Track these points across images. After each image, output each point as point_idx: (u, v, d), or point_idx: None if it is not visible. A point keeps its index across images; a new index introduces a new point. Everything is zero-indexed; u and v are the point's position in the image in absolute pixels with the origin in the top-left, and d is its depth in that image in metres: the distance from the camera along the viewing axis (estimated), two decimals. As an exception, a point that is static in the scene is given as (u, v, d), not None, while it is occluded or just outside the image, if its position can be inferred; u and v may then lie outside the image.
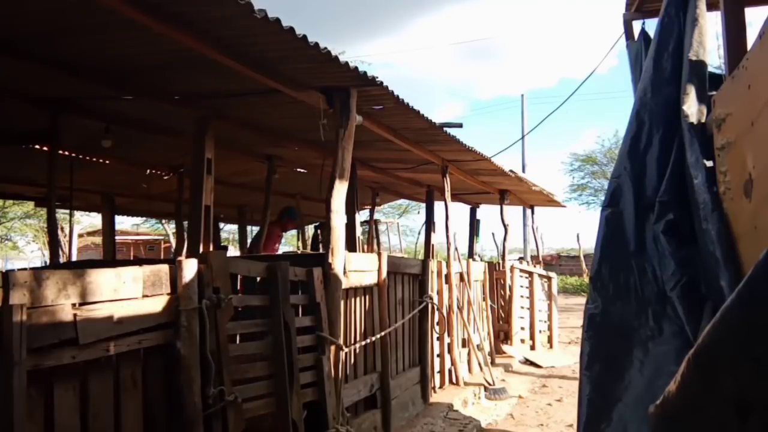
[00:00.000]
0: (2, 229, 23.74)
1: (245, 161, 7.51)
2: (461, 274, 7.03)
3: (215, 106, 5.05)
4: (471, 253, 10.72)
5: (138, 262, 7.06)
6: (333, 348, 3.95)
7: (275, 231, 8.03)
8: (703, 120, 1.95)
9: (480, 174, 8.16)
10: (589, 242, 27.93)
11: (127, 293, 2.58)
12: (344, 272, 4.17)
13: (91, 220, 24.41)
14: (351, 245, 7.28)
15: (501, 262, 9.74)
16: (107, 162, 7.12)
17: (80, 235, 25.36)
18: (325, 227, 4.22)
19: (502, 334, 9.02)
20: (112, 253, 9.36)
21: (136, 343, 2.61)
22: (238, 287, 3.90)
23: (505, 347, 8.81)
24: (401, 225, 20.14)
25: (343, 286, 4.16)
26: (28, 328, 2.11)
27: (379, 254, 4.98)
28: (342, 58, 3.75)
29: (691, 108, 1.98)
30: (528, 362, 8.65)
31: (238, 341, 3.47)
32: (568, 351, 9.67)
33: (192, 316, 2.86)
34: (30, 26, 3.52)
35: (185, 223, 7.10)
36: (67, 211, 10.22)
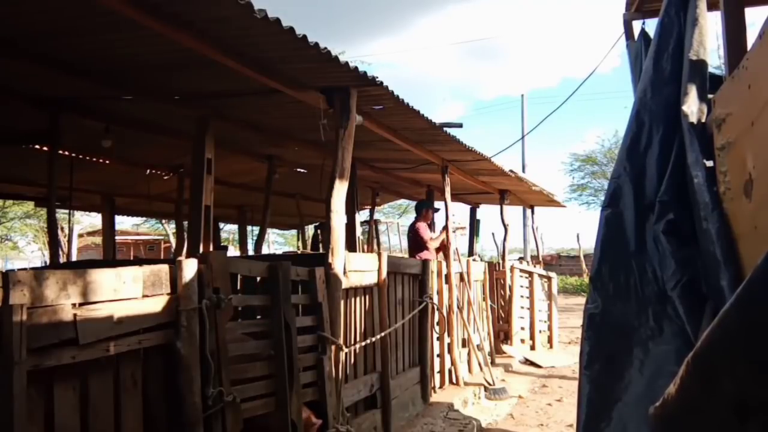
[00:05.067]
0: (2, 229, 23.75)
1: (245, 161, 7.52)
2: (461, 274, 7.03)
3: (215, 106, 5.05)
4: (471, 253, 10.71)
5: (138, 262, 7.06)
6: (333, 348, 3.95)
7: (423, 225, 7.76)
8: (703, 120, 1.95)
9: (480, 174, 8.16)
10: (589, 242, 27.95)
11: (127, 293, 2.58)
12: (344, 272, 4.17)
13: (91, 220, 24.46)
14: (351, 245, 7.28)
15: (501, 262, 9.74)
16: (107, 162, 7.12)
17: (80, 235, 25.37)
18: (325, 227, 4.22)
19: (502, 334, 9.02)
20: (112, 253, 9.38)
21: (136, 343, 2.60)
22: (239, 287, 3.91)
23: (505, 347, 8.81)
24: (401, 225, 20.14)
25: (343, 286, 4.16)
26: (28, 328, 2.11)
27: (379, 254, 4.98)
28: (342, 58, 3.76)
29: (691, 108, 1.98)
30: (528, 362, 8.65)
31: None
32: (568, 351, 9.66)
33: (192, 316, 2.86)
34: (30, 26, 3.52)
35: (185, 223, 7.12)
36: (67, 211, 10.24)
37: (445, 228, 7.26)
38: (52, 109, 5.09)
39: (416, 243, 7.73)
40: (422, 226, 7.76)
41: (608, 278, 2.11)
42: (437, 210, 8.19)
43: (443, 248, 7.43)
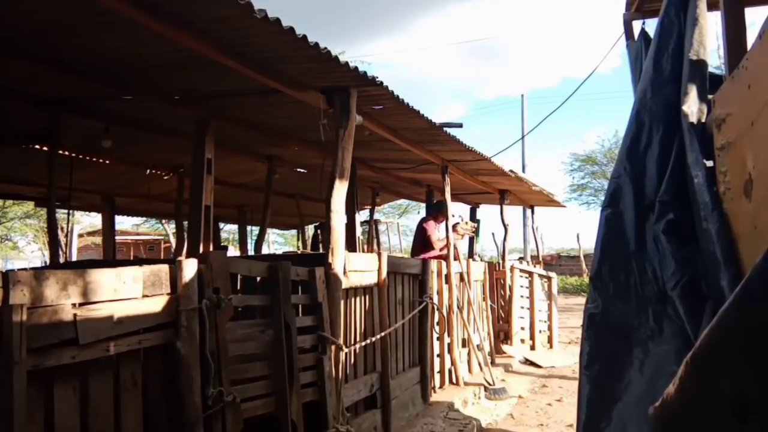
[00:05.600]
0: (2, 229, 23.76)
1: (245, 161, 7.52)
2: (461, 274, 7.03)
3: (215, 106, 5.05)
4: (471, 253, 10.71)
5: (138, 262, 7.06)
6: (333, 348, 3.95)
7: (432, 224, 7.90)
8: (703, 120, 1.95)
9: (480, 174, 8.17)
10: (589, 242, 27.94)
11: (127, 293, 2.58)
12: (344, 272, 4.17)
13: (91, 220, 24.47)
14: (351, 245, 7.28)
15: (501, 262, 9.74)
16: (107, 162, 7.12)
17: (80, 235, 25.39)
18: (325, 227, 4.22)
19: (502, 334, 9.02)
20: (112, 253, 9.37)
21: (136, 343, 2.60)
22: (239, 287, 3.91)
23: (505, 347, 8.81)
24: (401, 225, 20.14)
25: (343, 286, 4.16)
26: (28, 328, 2.10)
27: (379, 254, 4.97)
28: (342, 58, 3.76)
29: (691, 108, 1.98)
30: (528, 362, 8.65)
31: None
32: (568, 351, 9.66)
33: (192, 316, 2.86)
34: (30, 26, 3.52)
35: (185, 223, 7.11)
36: (67, 211, 10.25)
37: (452, 229, 7.35)
38: (52, 109, 5.09)
39: (423, 240, 7.77)
40: (431, 225, 7.80)
41: (608, 278, 2.11)
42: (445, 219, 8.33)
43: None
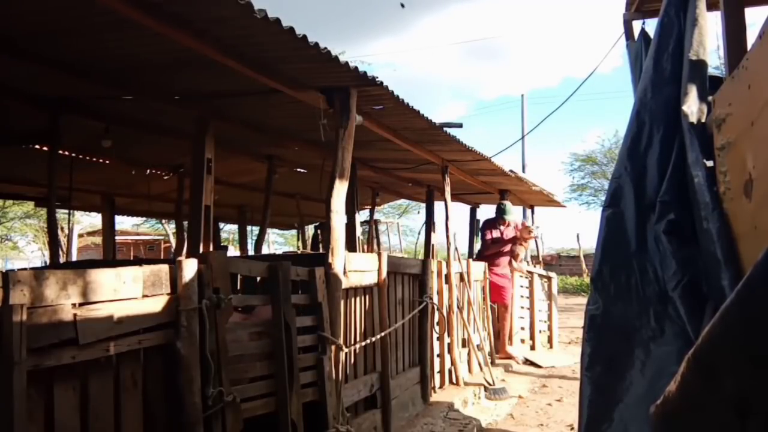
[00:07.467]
0: (2, 229, 23.76)
1: (245, 161, 7.52)
2: (461, 274, 7.03)
3: (215, 106, 5.05)
4: (471, 253, 10.70)
5: (138, 262, 7.06)
6: (333, 348, 3.95)
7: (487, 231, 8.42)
8: (703, 120, 1.95)
9: (480, 174, 8.17)
10: (589, 242, 27.95)
11: (127, 293, 2.58)
12: (344, 272, 4.17)
13: (91, 220, 24.45)
14: (351, 245, 7.28)
15: (501, 262, 9.73)
16: (107, 162, 7.12)
17: (80, 235, 25.38)
18: (325, 227, 4.22)
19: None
20: (112, 253, 9.37)
21: (136, 343, 2.60)
22: (239, 287, 3.91)
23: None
24: (401, 225, 20.14)
25: (343, 286, 4.16)
26: (28, 328, 2.10)
27: (379, 254, 4.97)
28: (342, 58, 3.76)
29: (691, 107, 1.98)
30: (528, 362, 8.65)
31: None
32: (568, 351, 9.66)
33: (192, 316, 2.86)
34: (30, 26, 3.52)
35: (185, 223, 7.12)
36: (67, 211, 10.24)
37: (506, 240, 8.21)
38: (52, 109, 5.09)
39: (483, 242, 8.42)
40: (488, 229, 8.43)
41: (609, 279, 2.11)
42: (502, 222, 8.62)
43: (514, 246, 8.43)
